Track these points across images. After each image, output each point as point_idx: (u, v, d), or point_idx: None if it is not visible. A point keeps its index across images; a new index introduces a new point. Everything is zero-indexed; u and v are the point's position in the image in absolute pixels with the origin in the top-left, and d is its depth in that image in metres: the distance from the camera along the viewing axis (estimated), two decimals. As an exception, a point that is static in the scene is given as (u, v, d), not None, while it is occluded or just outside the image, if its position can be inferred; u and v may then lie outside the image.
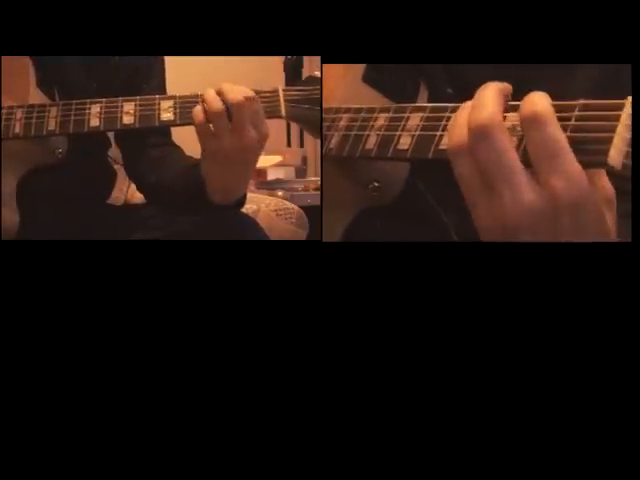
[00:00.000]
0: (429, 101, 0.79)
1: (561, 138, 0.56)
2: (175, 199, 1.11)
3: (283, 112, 0.99)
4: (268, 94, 0.98)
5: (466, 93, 0.67)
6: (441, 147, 0.66)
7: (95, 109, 1.01)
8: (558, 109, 0.58)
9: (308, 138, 2.97)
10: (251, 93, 0.95)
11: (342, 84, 0.83)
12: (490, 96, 0.59)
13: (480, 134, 0.58)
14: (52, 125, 1.01)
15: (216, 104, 0.94)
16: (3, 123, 1.02)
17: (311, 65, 2.49)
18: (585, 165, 0.56)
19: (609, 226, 0.61)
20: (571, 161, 0.56)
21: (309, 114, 0.98)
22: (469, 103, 0.61)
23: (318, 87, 0.97)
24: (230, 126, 0.94)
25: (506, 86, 0.61)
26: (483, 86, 0.61)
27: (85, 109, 1.01)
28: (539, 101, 0.57)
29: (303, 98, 0.99)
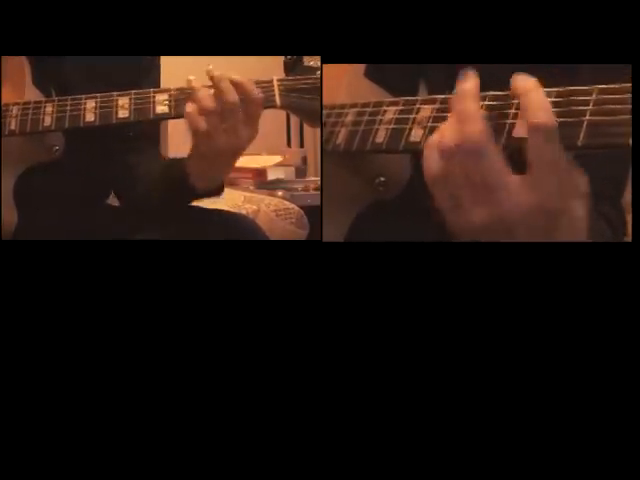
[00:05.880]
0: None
1: (561, 151, 0.59)
2: (154, 199, 1.10)
3: (278, 102, 0.98)
4: (262, 84, 0.98)
5: None
6: None
7: (90, 104, 1.01)
8: (576, 93, 0.60)
9: (308, 138, 2.97)
10: (252, 86, 0.94)
11: (344, 80, 0.83)
12: (474, 108, 0.61)
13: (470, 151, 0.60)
14: (48, 121, 1.01)
15: (209, 102, 0.93)
16: (0, 120, 1.02)
17: (311, 65, 2.48)
18: (606, 147, 0.58)
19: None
20: (566, 168, 0.59)
21: (304, 103, 0.98)
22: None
23: (312, 76, 0.97)
24: (223, 125, 0.93)
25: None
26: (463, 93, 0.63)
27: (80, 104, 1.01)
28: (546, 108, 0.59)
29: (298, 87, 0.98)
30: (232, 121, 0.93)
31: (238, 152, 0.97)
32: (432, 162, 0.63)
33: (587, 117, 0.59)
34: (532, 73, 0.62)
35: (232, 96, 0.92)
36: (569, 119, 0.60)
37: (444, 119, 0.67)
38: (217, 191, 1.07)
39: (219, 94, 0.92)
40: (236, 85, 0.92)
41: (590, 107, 0.59)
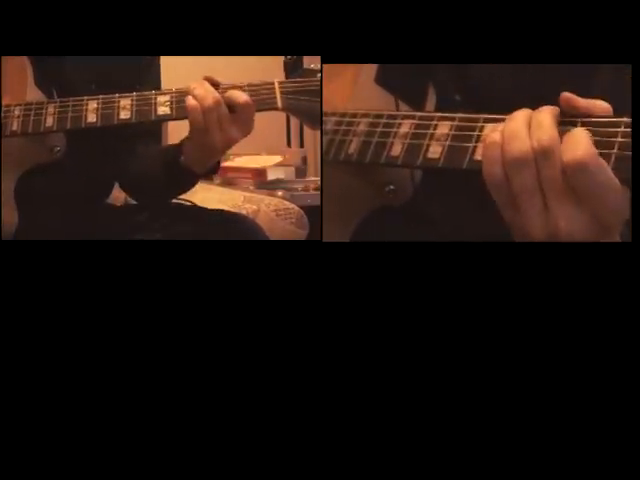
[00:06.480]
0: (437, 105, 0.79)
1: (608, 181, 0.58)
2: (156, 183, 1.13)
3: (279, 104, 0.99)
4: (264, 86, 0.99)
5: (473, 101, 0.67)
6: (476, 158, 0.65)
7: (92, 105, 1.01)
8: (604, 124, 0.59)
9: (308, 138, 2.97)
10: (245, 97, 0.97)
11: (354, 85, 0.83)
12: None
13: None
14: (50, 122, 1.02)
15: (209, 100, 0.96)
16: (2, 121, 1.02)
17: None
18: (630, 183, 0.58)
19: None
20: (617, 195, 0.58)
21: (306, 105, 0.98)
22: (521, 113, 0.62)
23: (314, 79, 0.97)
24: (220, 123, 0.97)
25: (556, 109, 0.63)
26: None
27: (82, 105, 1.01)
28: (582, 141, 0.58)
29: (299, 90, 0.99)
30: (227, 122, 0.97)
31: (230, 146, 1.01)
32: (494, 167, 0.62)
33: (615, 150, 0.58)
34: (547, 73, 0.62)
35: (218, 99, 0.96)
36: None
37: (465, 138, 0.67)
38: (213, 170, 1.10)
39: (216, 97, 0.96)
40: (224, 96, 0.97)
41: (619, 139, 0.58)
